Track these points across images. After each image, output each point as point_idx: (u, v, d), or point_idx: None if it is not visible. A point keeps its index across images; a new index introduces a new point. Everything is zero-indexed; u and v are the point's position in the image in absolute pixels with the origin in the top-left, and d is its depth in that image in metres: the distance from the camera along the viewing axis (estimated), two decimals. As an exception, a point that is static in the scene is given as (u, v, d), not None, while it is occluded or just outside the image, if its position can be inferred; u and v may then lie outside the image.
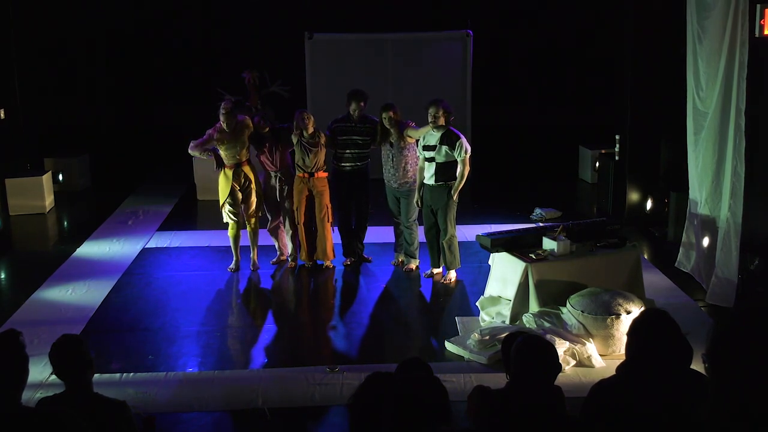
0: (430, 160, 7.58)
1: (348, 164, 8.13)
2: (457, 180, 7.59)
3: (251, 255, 8.35)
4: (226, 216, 8.09)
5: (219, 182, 8.03)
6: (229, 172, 7.95)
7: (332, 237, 8.28)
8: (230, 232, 8.16)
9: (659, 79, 9.28)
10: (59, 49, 13.31)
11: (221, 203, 8.05)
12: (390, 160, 7.94)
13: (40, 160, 11.89)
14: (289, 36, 12.75)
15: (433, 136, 7.55)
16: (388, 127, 7.82)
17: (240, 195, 8.03)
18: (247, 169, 8.01)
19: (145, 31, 13.66)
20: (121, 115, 13.85)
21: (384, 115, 7.80)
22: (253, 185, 8.06)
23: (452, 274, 7.89)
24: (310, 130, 7.90)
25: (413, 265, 8.26)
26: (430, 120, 7.48)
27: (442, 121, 7.47)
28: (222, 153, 7.91)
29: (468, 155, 7.53)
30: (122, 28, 13.57)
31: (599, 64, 13.47)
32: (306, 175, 8.03)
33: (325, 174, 8.11)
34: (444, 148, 7.48)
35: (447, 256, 7.80)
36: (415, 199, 7.83)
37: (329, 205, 8.13)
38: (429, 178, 7.63)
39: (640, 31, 9.54)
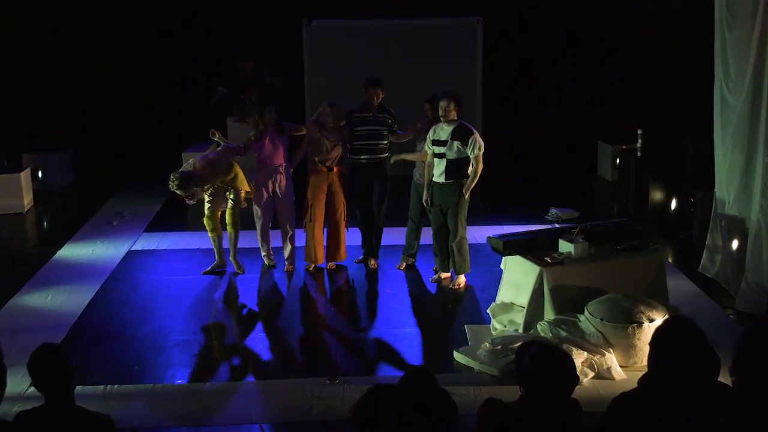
0: (440, 156, 7.57)
1: (365, 157, 8.15)
2: (470, 178, 7.58)
3: (231, 257, 8.37)
4: (206, 206, 8.19)
5: None
6: None
7: (346, 237, 8.35)
8: (209, 233, 8.22)
9: (685, 70, 9.28)
10: (42, 40, 13.34)
11: (204, 190, 8.18)
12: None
13: (18, 156, 11.90)
14: (286, 22, 12.76)
15: (444, 131, 7.54)
16: (430, 119, 7.82)
17: (222, 190, 8.10)
18: (229, 178, 8.04)
19: (134, 21, 13.67)
20: (106, 109, 13.86)
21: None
22: (233, 196, 8.09)
23: (461, 279, 7.90)
24: (331, 123, 7.99)
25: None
26: (441, 114, 7.48)
27: (453, 115, 7.47)
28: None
29: (482, 152, 7.52)
30: (110, 17, 13.58)
31: (620, 53, 13.47)
32: (325, 169, 8.08)
33: (343, 169, 8.16)
34: (456, 143, 7.47)
35: (456, 260, 7.80)
36: (423, 198, 7.83)
37: (344, 203, 8.18)
38: (439, 175, 7.62)
39: (664, 17, 9.53)
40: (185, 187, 7.76)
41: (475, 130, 7.59)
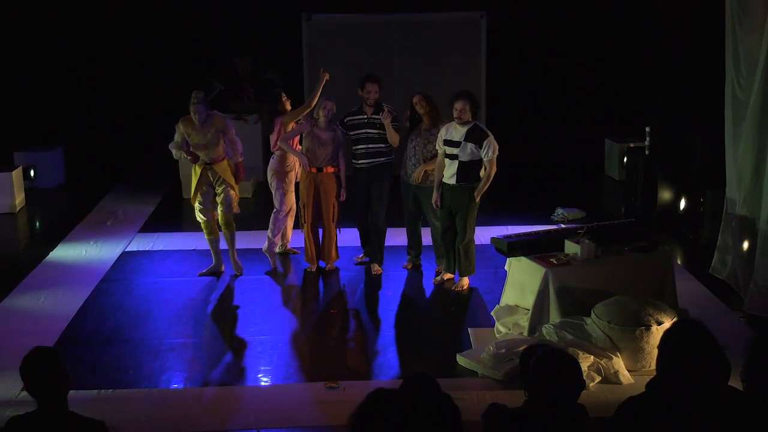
0: (452, 157, 7.51)
1: (363, 162, 8.15)
2: (482, 181, 7.54)
3: (231, 258, 8.39)
4: (198, 214, 8.19)
5: (193, 172, 8.11)
6: (199, 169, 8.01)
7: (337, 238, 8.35)
8: (206, 236, 8.23)
9: (694, 65, 9.27)
10: (33, 37, 13.34)
11: (192, 199, 8.15)
12: (412, 150, 7.94)
13: (9, 154, 11.91)
14: (285, 18, 12.75)
15: (457, 131, 7.48)
16: (420, 113, 7.83)
17: (211, 195, 8.08)
18: (220, 168, 8.03)
19: (128, 15, 13.67)
20: (99, 106, 13.86)
21: (414, 100, 7.82)
22: (226, 187, 8.07)
23: (465, 281, 7.90)
24: (323, 118, 8.03)
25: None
26: (455, 115, 7.42)
27: (468, 117, 7.43)
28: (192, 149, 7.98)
29: (496, 155, 7.49)
30: (103, 12, 13.58)
31: (628, 49, 13.46)
32: (314, 169, 8.08)
33: (334, 169, 8.15)
34: (469, 145, 7.42)
35: (463, 262, 7.79)
36: (433, 199, 7.79)
37: (336, 204, 8.18)
38: (449, 177, 7.56)
39: (673, 11, 9.53)
40: (202, 103, 7.78)
41: (490, 133, 7.55)
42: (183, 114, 8.00)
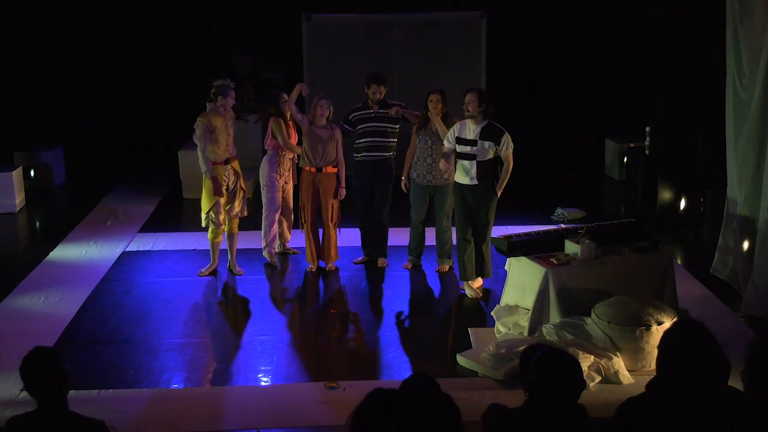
0: (469, 157, 7.41)
1: (367, 155, 8.17)
2: (502, 176, 7.51)
3: (229, 260, 8.40)
4: (207, 221, 8.11)
5: (204, 183, 7.93)
6: (221, 170, 7.95)
7: (337, 238, 8.36)
8: (210, 236, 8.20)
9: (696, 65, 9.26)
10: (30, 34, 13.35)
11: (207, 210, 8.00)
12: (428, 150, 7.92)
13: (9, 154, 11.91)
14: (285, 17, 12.76)
15: (470, 129, 7.42)
16: (431, 112, 7.82)
17: (226, 197, 8.06)
18: (236, 164, 8.09)
19: (129, 15, 13.68)
20: (99, 106, 13.87)
21: (432, 98, 7.80)
22: (240, 182, 8.12)
23: (480, 281, 7.84)
24: (323, 121, 8.03)
25: (447, 266, 8.29)
26: (464, 108, 7.37)
27: (476, 109, 7.32)
28: (213, 146, 7.84)
29: (511, 150, 7.48)
30: (104, 12, 13.59)
31: (628, 48, 13.45)
32: (313, 169, 8.08)
33: (335, 170, 8.15)
34: (486, 143, 7.37)
35: (486, 263, 7.76)
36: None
37: (335, 204, 8.18)
38: (470, 178, 7.44)
39: (674, 10, 9.52)
40: (226, 90, 7.86)
41: (504, 129, 7.49)
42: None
